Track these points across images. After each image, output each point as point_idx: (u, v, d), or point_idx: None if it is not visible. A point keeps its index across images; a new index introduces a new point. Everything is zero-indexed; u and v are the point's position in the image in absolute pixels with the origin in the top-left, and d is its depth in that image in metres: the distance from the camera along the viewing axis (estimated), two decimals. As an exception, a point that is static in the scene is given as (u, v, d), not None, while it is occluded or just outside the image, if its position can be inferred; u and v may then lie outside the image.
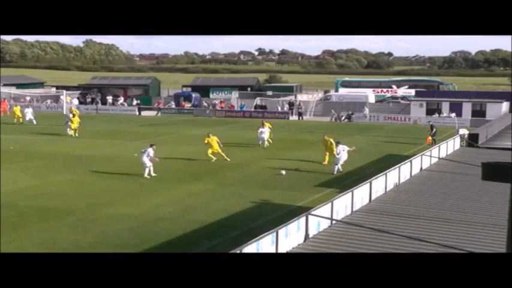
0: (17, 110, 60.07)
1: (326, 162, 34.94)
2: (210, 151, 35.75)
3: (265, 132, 42.88)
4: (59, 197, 26.68)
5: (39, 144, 43.63)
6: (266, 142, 42.68)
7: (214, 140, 35.84)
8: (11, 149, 40.31)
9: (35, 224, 22.46)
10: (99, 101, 78.07)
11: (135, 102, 77.20)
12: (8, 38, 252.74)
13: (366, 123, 63.54)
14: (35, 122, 57.39)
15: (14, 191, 27.84)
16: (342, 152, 32.80)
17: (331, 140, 34.77)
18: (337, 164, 32.68)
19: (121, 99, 78.73)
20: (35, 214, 23.75)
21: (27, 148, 41.57)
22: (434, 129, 44.65)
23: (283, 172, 32.30)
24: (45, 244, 19.86)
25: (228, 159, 35.86)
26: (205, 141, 36.15)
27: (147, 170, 30.79)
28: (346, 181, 29.31)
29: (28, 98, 78.54)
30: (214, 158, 35.62)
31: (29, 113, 58.82)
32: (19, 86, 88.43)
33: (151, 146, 31.43)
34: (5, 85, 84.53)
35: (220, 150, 35.87)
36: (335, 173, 32.32)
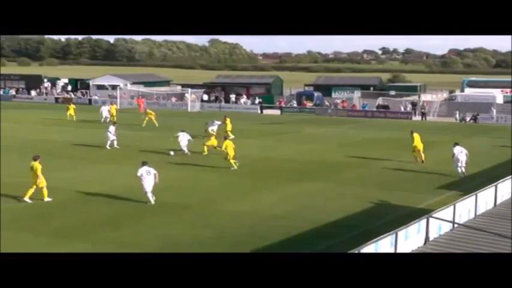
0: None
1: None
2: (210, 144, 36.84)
3: None
4: (179, 193, 27.27)
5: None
6: None
7: (230, 145, 32.30)
8: (137, 145, 41.78)
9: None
10: (223, 99, 79.71)
11: (257, 100, 78.15)
12: (138, 38, 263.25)
13: (492, 125, 61.24)
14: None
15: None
16: (460, 154, 31.27)
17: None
18: (458, 167, 31.30)
19: (244, 98, 79.93)
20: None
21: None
22: None
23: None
24: (164, 238, 20.34)
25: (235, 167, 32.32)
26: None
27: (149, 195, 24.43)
28: (469, 184, 28.38)
29: (155, 96, 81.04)
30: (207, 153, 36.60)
31: (105, 111, 58.53)
32: (147, 84, 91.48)
33: (143, 163, 24.90)
34: (133, 83, 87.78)
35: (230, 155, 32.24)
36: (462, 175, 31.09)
